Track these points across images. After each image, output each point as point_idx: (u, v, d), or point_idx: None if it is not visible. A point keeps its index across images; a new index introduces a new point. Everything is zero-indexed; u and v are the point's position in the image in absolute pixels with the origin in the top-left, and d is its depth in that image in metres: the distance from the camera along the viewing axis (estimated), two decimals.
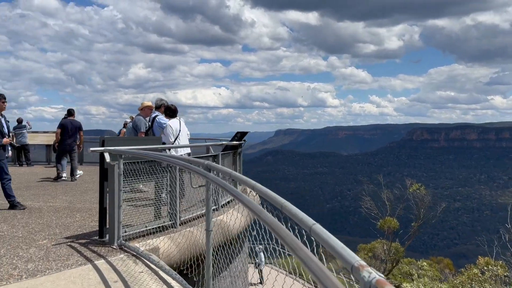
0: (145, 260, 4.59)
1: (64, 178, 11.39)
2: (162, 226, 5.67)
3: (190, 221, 6.26)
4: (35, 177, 12.19)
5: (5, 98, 7.82)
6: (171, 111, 7.91)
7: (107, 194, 5.16)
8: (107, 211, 5.18)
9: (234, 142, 7.90)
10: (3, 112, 8.21)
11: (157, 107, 8.91)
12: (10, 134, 11.76)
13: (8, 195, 7.29)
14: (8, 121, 7.92)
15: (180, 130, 7.75)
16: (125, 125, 13.13)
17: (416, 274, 17.74)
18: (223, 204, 7.38)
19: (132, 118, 10.74)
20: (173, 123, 7.88)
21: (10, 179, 7.44)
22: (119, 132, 12.78)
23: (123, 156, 4.96)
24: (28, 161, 16.13)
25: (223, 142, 7.90)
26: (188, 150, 7.80)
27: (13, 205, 7.20)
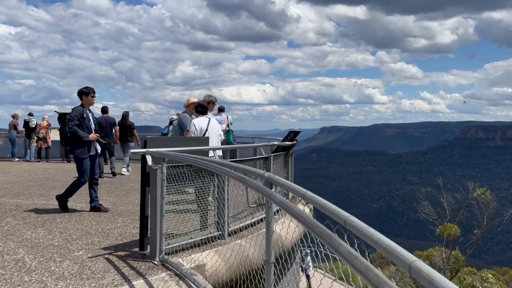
0: (189, 282, 3.94)
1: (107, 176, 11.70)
2: (209, 237, 5.03)
3: (239, 231, 5.59)
4: None
5: (94, 92, 7.02)
6: (202, 108, 7.28)
7: (149, 202, 4.57)
8: (149, 220, 4.60)
9: (287, 143, 7.15)
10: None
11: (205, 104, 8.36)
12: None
13: (67, 194, 6.99)
14: (96, 117, 7.42)
15: (206, 130, 7.09)
16: (171, 122, 12.70)
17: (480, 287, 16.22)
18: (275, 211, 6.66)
19: (178, 115, 10.23)
20: (198, 122, 7.22)
21: (85, 182, 6.95)
22: (167, 130, 12.39)
23: (166, 159, 4.35)
24: None
25: (275, 143, 7.16)
26: (219, 152, 7.14)
27: (93, 208, 6.96)
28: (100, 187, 9.61)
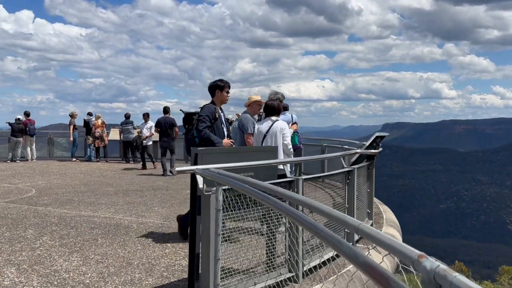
0: None
1: (169, 174, 12.01)
2: (278, 281, 3.80)
3: (319, 267, 4.31)
4: (137, 177, 11.34)
5: (229, 87, 5.77)
6: (268, 109, 5.98)
7: (201, 235, 3.42)
8: (200, 260, 3.46)
9: (372, 151, 5.74)
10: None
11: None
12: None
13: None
14: (228, 119, 6.27)
15: (265, 136, 5.78)
16: (230, 123, 11.71)
17: None
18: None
19: (238, 115, 9.08)
20: (260, 125, 5.97)
21: None
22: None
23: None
24: (135, 157, 15.70)
25: (357, 151, 5.76)
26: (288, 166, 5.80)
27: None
28: (154, 194, 8.77)
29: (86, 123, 16.28)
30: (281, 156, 5.65)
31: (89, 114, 16.34)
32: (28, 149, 15.95)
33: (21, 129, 15.35)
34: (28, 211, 6.97)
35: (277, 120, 5.91)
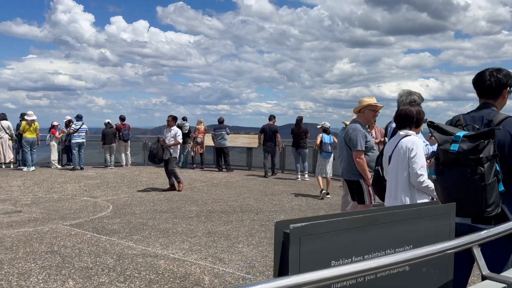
0: None
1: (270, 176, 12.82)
2: None
3: None
4: (226, 191, 9.83)
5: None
6: (399, 119, 3.68)
7: None
8: None
9: None
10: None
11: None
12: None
13: None
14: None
15: (390, 160, 3.56)
16: (325, 130, 9.94)
17: None
18: None
19: (346, 124, 7.01)
20: (387, 143, 3.84)
21: None
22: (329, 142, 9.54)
23: None
24: (228, 165, 14.37)
25: None
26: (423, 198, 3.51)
27: None
28: (241, 220, 7.06)
29: (180, 128, 15.39)
30: (409, 192, 3.48)
31: (184, 119, 15.44)
32: (123, 154, 15.54)
33: (113, 133, 14.89)
34: (87, 242, 5.71)
35: (406, 136, 3.64)
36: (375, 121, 7.32)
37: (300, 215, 7.61)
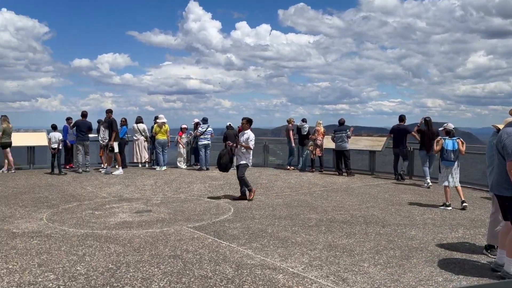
0: None
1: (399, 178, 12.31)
2: None
3: None
4: (347, 197, 9.23)
5: None
6: None
7: None
8: None
9: None
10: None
11: None
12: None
13: None
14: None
15: None
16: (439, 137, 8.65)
17: None
18: None
19: (498, 128, 5.94)
20: None
21: None
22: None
23: None
24: (348, 169, 13.67)
25: None
26: None
27: None
28: (366, 232, 6.47)
29: (299, 130, 15.18)
30: None
31: (303, 121, 15.18)
32: None
33: (235, 134, 15.26)
34: (208, 248, 5.71)
35: None
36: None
37: (434, 231, 6.70)
